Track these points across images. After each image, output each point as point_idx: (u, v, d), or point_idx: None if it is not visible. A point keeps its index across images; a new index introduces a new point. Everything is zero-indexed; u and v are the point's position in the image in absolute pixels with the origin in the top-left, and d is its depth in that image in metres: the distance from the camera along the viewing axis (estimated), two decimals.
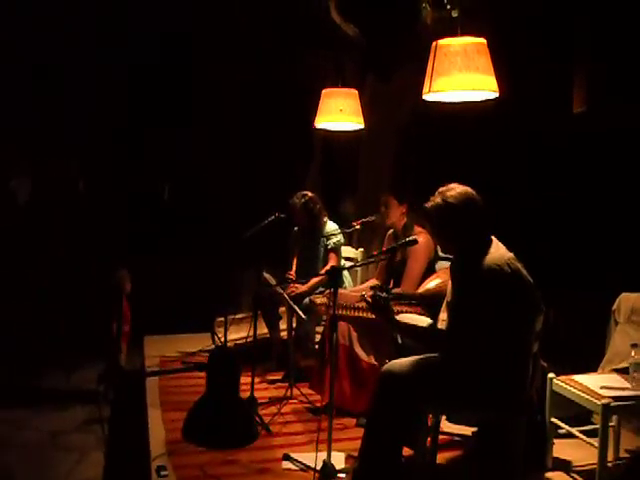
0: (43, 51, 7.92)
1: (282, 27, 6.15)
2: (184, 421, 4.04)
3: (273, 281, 4.50)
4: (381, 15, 5.63)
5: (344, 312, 4.05)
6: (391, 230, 4.63)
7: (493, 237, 3.16)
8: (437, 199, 3.15)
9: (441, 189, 3.19)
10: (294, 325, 5.11)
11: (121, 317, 5.36)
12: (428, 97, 3.50)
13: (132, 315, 5.58)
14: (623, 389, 3.45)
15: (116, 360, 5.34)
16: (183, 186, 7.42)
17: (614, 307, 4.16)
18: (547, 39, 4.57)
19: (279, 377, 5.00)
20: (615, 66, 4.13)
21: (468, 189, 3.15)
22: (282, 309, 5.34)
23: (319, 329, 5.16)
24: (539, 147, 5.17)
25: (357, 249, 5.67)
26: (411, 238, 3.54)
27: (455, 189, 3.15)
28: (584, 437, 3.57)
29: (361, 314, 4.03)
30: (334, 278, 3.28)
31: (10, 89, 8.58)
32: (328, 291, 4.18)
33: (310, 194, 5.16)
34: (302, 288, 4.96)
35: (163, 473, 3.49)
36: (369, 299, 3.27)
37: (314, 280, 4.94)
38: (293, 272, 5.26)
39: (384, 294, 3.26)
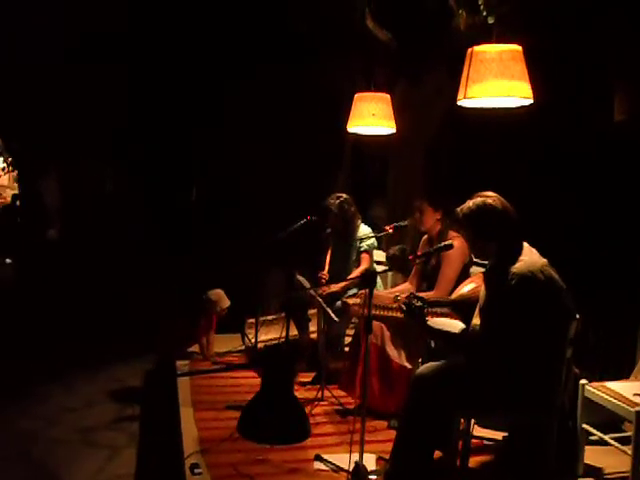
0: (71, 54, 8.02)
1: (316, 31, 6.19)
2: (239, 418, 4.10)
3: (306, 283, 4.54)
4: (413, 20, 5.66)
5: (378, 312, 4.08)
6: (426, 235, 4.65)
7: (525, 243, 3.18)
8: (471, 205, 3.19)
9: (474, 195, 3.22)
10: (324, 327, 5.14)
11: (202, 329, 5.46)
12: (463, 103, 3.53)
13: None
14: None
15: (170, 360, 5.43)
16: (213, 188, 7.48)
17: None
18: (585, 45, 4.56)
19: (309, 379, 5.02)
20: None
21: (497, 196, 3.18)
22: (312, 311, 5.37)
23: (349, 331, 5.20)
24: (574, 154, 5.15)
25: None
26: (447, 243, 3.58)
27: (487, 196, 3.19)
28: (617, 444, 3.56)
29: (394, 314, 4.06)
30: (370, 280, 3.31)
31: (37, 92, 8.71)
32: (362, 292, 4.21)
33: (345, 196, 5.18)
34: (334, 288, 4.98)
35: (197, 471, 3.54)
36: (403, 307, 3.31)
37: (346, 282, 4.97)
38: (325, 273, 5.29)
39: (418, 302, 3.29)
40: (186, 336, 5.62)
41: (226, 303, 5.44)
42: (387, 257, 5.33)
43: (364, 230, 5.21)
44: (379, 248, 5.80)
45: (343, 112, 5.12)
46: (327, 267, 5.39)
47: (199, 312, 5.44)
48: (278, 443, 3.89)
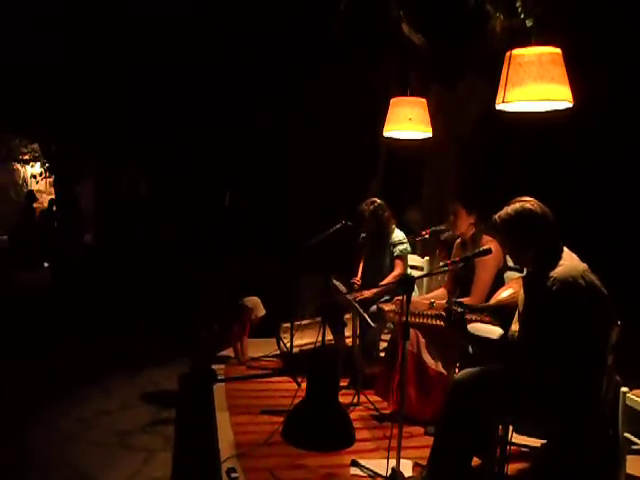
0: (101, 58, 8.09)
1: (352, 36, 6.18)
2: (284, 423, 4.13)
3: (343, 288, 4.53)
4: (448, 24, 5.63)
5: (414, 319, 4.06)
6: (459, 239, 4.62)
7: (565, 248, 3.15)
8: (509, 211, 3.16)
9: (512, 201, 3.20)
10: (360, 332, 5.13)
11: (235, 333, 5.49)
12: (502, 107, 3.50)
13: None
14: None
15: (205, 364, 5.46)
16: (248, 192, 7.51)
17: None
18: (626, 47, 4.50)
19: (345, 384, 5.01)
20: None
21: (536, 202, 3.16)
22: (347, 316, 5.36)
23: (384, 336, 5.17)
24: (615, 159, 5.09)
25: (422, 258, 5.66)
26: (485, 248, 3.55)
27: (526, 201, 3.17)
28: None
29: (430, 321, 4.04)
30: (407, 286, 3.29)
31: (73, 97, 8.81)
32: (397, 298, 4.19)
33: (379, 201, 5.18)
34: (367, 294, 4.97)
35: (234, 475, 3.55)
36: (444, 313, 3.30)
37: (380, 287, 4.95)
38: (359, 278, 5.28)
39: (459, 309, 3.27)
40: (220, 340, 5.64)
41: (261, 312, 5.46)
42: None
43: (398, 235, 5.19)
44: (414, 253, 5.78)
45: (378, 117, 5.12)
46: (360, 273, 5.38)
47: (233, 317, 5.45)
48: (324, 450, 3.89)
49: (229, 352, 5.66)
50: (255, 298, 5.47)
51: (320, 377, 4.12)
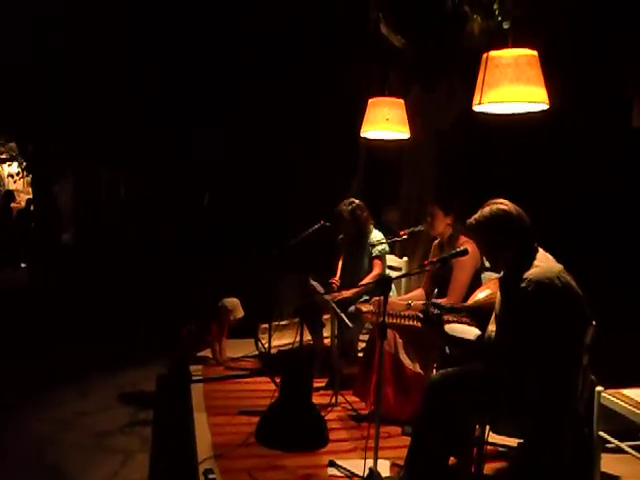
0: (81, 58, 8.05)
1: (331, 37, 6.20)
2: (257, 424, 4.11)
3: (320, 289, 4.53)
4: (427, 26, 5.65)
5: (391, 320, 4.07)
6: (437, 240, 4.64)
7: (540, 249, 3.17)
8: (485, 213, 3.18)
9: (487, 203, 3.22)
10: (338, 332, 5.14)
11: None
12: (479, 108, 3.52)
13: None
14: None
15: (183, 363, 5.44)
16: (227, 193, 7.49)
17: None
18: (602, 50, 4.54)
19: (322, 384, 5.01)
20: None
21: (510, 203, 3.18)
22: (325, 317, 5.37)
23: (362, 337, 5.19)
24: (591, 160, 5.14)
25: (401, 258, 5.67)
26: (462, 249, 3.56)
27: (500, 203, 3.19)
28: (634, 452, 3.53)
29: (407, 322, 4.06)
30: (384, 286, 3.30)
31: (51, 96, 8.76)
32: (375, 299, 4.20)
33: (357, 202, 5.19)
34: (346, 294, 4.98)
35: (211, 476, 3.54)
36: (421, 314, 3.31)
37: (358, 287, 4.96)
38: (337, 279, 5.29)
39: (436, 310, 3.29)
40: (198, 341, 5.63)
41: (240, 313, 5.46)
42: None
43: (376, 236, 5.21)
44: (392, 253, 5.79)
45: (357, 117, 5.12)
46: (339, 273, 5.39)
47: (212, 318, 5.44)
48: (297, 450, 3.88)
49: (207, 353, 5.64)
50: (234, 300, 5.47)
51: (293, 378, 4.12)
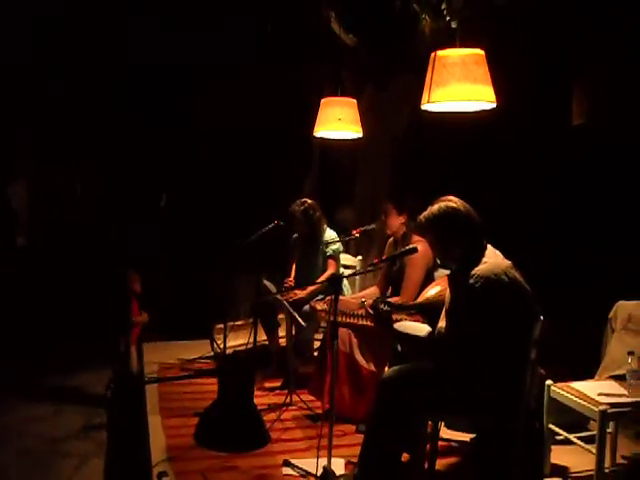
0: (41, 53, 7.92)
1: (283, 36, 6.19)
2: (196, 425, 4.10)
3: (273, 289, 4.54)
4: (380, 25, 5.68)
5: (344, 319, 4.09)
6: (391, 239, 4.67)
7: (489, 245, 3.21)
8: (434, 210, 3.21)
9: (436, 201, 3.25)
10: (293, 332, 5.14)
11: (129, 320, 5.39)
12: (427, 107, 3.55)
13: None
14: (620, 396, 3.48)
15: (125, 364, 5.36)
16: (181, 193, 7.44)
17: (611, 315, 4.20)
18: (546, 51, 4.61)
19: (278, 384, 5.01)
20: (615, 79, 4.18)
21: (459, 200, 3.22)
22: (281, 316, 5.37)
23: (318, 336, 5.20)
24: (536, 157, 5.22)
25: (355, 257, 5.70)
26: (410, 247, 3.59)
27: (449, 200, 3.22)
28: (582, 443, 3.60)
29: (361, 321, 4.07)
30: (335, 285, 3.31)
31: (6, 93, 8.59)
32: (329, 298, 4.22)
33: (310, 201, 5.20)
34: (301, 294, 4.99)
35: (164, 479, 3.51)
36: (370, 311, 3.33)
37: (313, 287, 4.97)
38: (292, 279, 5.30)
39: (385, 307, 3.30)
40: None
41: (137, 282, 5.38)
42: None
43: (330, 235, 5.22)
44: (347, 252, 5.82)
45: (311, 117, 5.13)
46: (293, 273, 5.40)
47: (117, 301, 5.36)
48: (234, 451, 3.87)
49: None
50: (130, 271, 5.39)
51: (231, 379, 4.11)
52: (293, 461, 3.71)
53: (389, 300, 3.41)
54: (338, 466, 3.60)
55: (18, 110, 9.12)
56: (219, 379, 4.18)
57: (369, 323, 3.98)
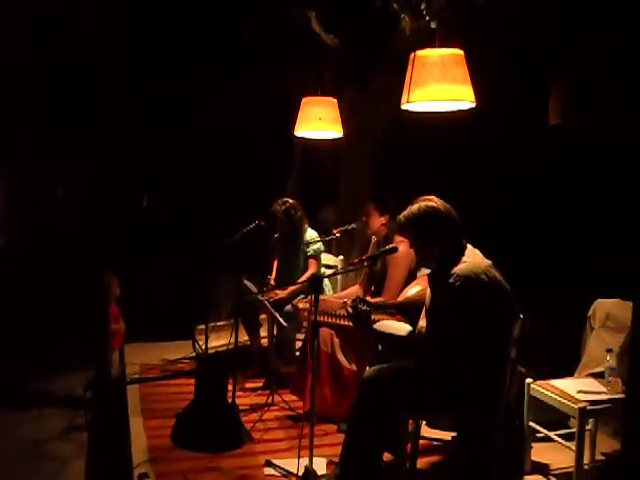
0: (23, 52, 7.86)
1: (263, 35, 6.18)
2: (173, 427, 4.09)
3: (254, 289, 4.53)
4: (360, 25, 5.68)
5: (326, 319, 4.09)
6: (375, 238, 4.68)
7: (469, 245, 3.23)
8: (414, 210, 3.23)
9: (416, 200, 3.26)
10: (275, 332, 5.14)
11: (108, 322, 5.34)
12: (406, 107, 3.56)
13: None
14: (599, 393, 3.52)
15: (105, 366, 5.32)
16: (163, 194, 7.41)
17: (589, 313, 4.23)
18: (524, 51, 4.64)
19: (260, 384, 5.01)
20: (592, 79, 4.22)
21: (439, 200, 3.23)
22: (262, 316, 5.37)
23: (300, 335, 5.20)
24: (514, 156, 5.25)
25: (337, 257, 5.71)
26: (391, 246, 3.60)
27: (429, 200, 3.23)
28: (562, 440, 3.64)
29: (342, 321, 4.08)
30: (315, 285, 3.32)
31: None
32: (310, 297, 4.22)
33: (291, 201, 5.20)
34: (282, 294, 4.99)
35: None
36: (350, 311, 3.33)
37: (294, 287, 4.98)
38: (273, 278, 5.29)
39: (364, 307, 3.31)
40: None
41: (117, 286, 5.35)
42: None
43: (311, 234, 5.23)
44: (329, 252, 5.83)
45: (293, 117, 5.14)
46: (275, 272, 5.40)
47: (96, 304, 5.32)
48: (209, 451, 3.86)
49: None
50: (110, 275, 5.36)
51: (207, 379, 4.11)
52: (275, 461, 3.71)
53: (368, 300, 3.41)
54: (320, 466, 3.60)
55: None
56: (195, 380, 4.17)
57: (348, 323, 3.99)
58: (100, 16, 6.83)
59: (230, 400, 4.23)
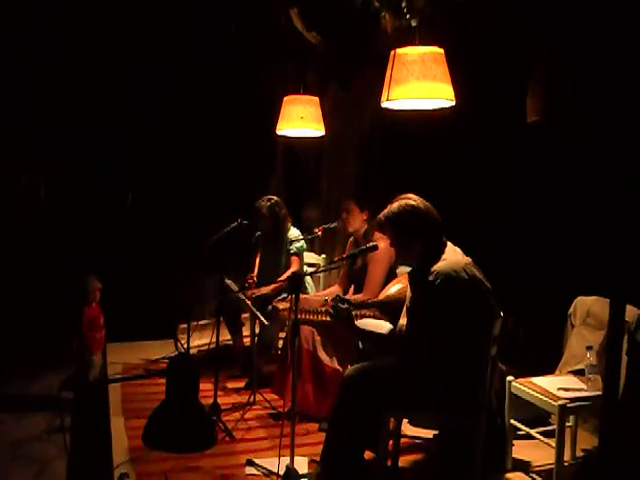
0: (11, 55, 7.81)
1: (245, 34, 6.17)
2: (144, 427, 4.05)
3: (235, 287, 4.51)
4: (342, 23, 5.67)
5: (307, 316, 4.08)
6: (352, 237, 4.67)
7: (449, 242, 3.23)
8: (394, 208, 3.22)
9: (396, 199, 3.26)
10: (257, 331, 5.13)
11: (82, 324, 5.29)
12: (386, 105, 3.56)
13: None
14: (579, 390, 3.53)
15: (84, 367, 5.28)
16: (146, 192, 7.38)
17: (570, 310, 4.23)
18: (502, 50, 4.65)
19: (242, 384, 4.99)
20: (569, 77, 4.22)
21: (418, 198, 3.22)
22: (245, 316, 5.35)
23: (282, 334, 5.19)
24: (496, 155, 5.27)
25: (319, 255, 5.71)
26: (371, 244, 3.59)
27: (409, 198, 3.23)
28: (542, 438, 3.65)
29: (323, 318, 4.07)
30: (296, 284, 3.30)
31: None
32: (291, 296, 4.21)
33: (276, 198, 5.20)
34: (263, 290, 4.97)
35: None
36: (330, 310, 3.32)
37: (276, 284, 4.96)
38: (255, 275, 5.27)
39: (345, 305, 3.30)
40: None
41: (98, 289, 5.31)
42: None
43: (294, 233, 5.23)
44: (312, 250, 5.82)
45: (275, 115, 5.13)
46: (257, 270, 5.38)
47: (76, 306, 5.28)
48: (181, 452, 3.84)
49: None
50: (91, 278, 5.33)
51: (177, 379, 4.08)
52: (256, 460, 3.70)
53: (348, 298, 3.40)
54: (301, 465, 3.60)
55: None
56: (166, 380, 4.15)
57: (329, 319, 3.98)
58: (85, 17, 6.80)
59: (212, 400, 4.23)
